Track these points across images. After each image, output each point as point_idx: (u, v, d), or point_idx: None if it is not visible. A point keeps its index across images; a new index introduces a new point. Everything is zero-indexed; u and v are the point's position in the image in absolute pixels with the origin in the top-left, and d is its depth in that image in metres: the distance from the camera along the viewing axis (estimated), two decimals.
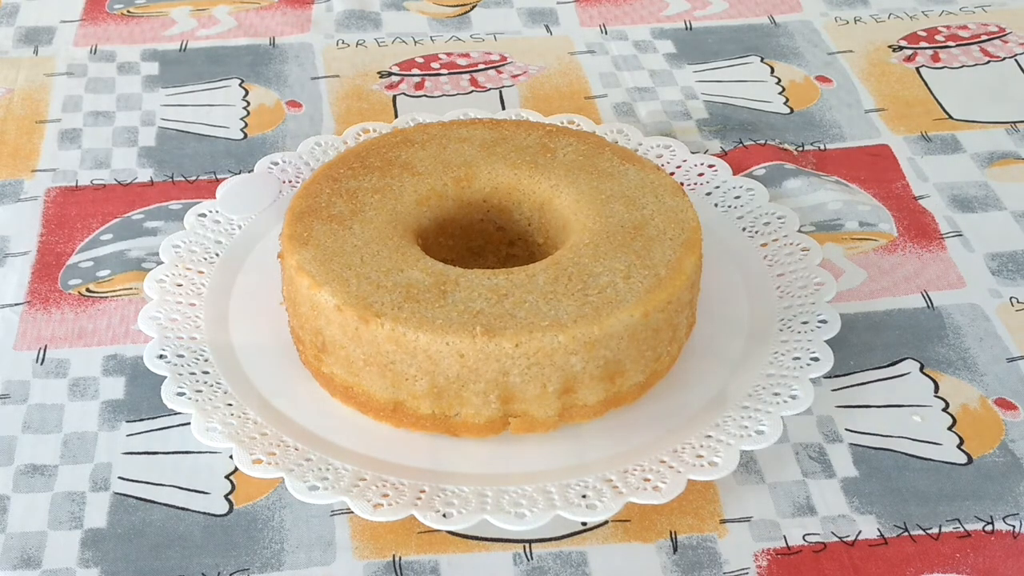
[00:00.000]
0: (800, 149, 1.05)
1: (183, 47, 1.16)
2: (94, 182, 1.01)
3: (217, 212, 0.95)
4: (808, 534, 0.76)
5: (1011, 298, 0.92)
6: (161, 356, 0.83)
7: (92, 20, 1.19)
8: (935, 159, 1.04)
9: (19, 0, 1.21)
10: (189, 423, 0.79)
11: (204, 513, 0.77)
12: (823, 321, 0.86)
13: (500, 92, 1.11)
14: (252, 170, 1.00)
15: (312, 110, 1.09)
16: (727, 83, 1.13)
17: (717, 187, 0.98)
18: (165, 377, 0.82)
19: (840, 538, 0.76)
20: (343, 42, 1.17)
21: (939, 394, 0.85)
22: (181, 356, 0.83)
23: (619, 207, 0.85)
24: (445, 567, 0.75)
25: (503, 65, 1.14)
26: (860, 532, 0.77)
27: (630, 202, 0.85)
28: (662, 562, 0.75)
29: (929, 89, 1.12)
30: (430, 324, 0.77)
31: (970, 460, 0.81)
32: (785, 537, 0.76)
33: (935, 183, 1.01)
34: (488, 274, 0.80)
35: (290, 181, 0.98)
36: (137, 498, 0.78)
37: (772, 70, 1.14)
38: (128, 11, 1.20)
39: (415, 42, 1.17)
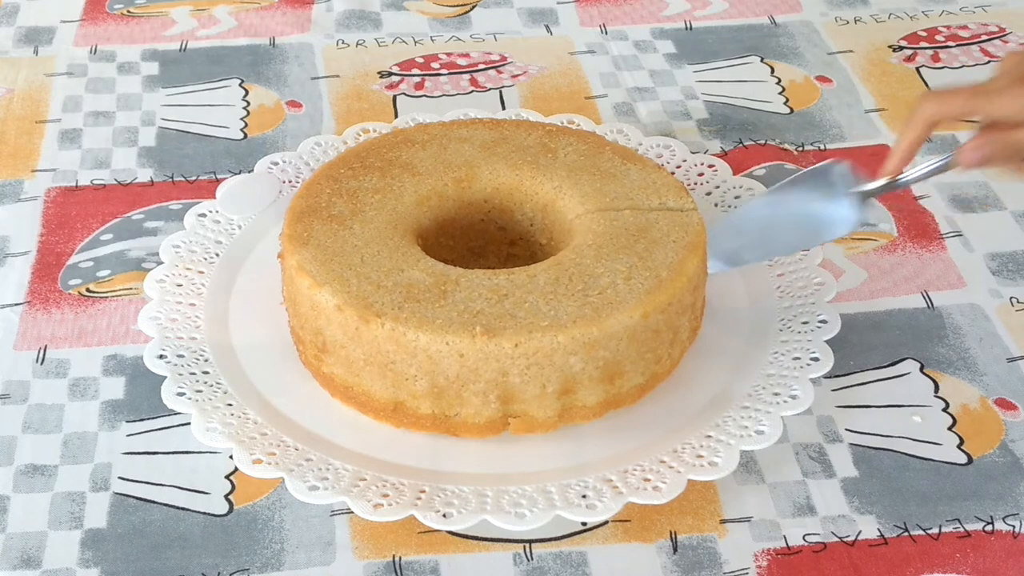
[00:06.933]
0: (800, 149, 1.05)
1: (183, 47, 1.16)
2: (94, 182, 1.01)
3: (217, 212, 0.95)
4: (808, 534, 0.76)
5: (1011, 298, 0.92)
6: (161, 356, 0.83)
7: (92, 20, 1.19)
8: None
9: (19, 0, 1.21)
10: (189, 423, 0.79)
11: (204, 513, 0.77)
12: (823, 321, 0.86)
13: (500, 92, 1.11)
14: (252, 170, 1.00)
15: (312, 110, 1.09)
16: (727, 83, 1.13)
17: (717, 187, 0.98)
18: (165, 377, 0.82)
19: (840, 538, 0.76)
20: (343, 42, 1.17)
21: (939, 394, 0.85)
22: (181, 356, 0.83)
23: (625, 209, 0.85)
24: (445, 567, 0.75)
25: (503, 65, 1.14)
26: (860, 532, 0.77)
27: (636, 204, 0.85)
28: (662, 562, 0.75)
29: (929, 89, 1.12)
30: (430, 324, 0.77)
31: (970, 460, 0.81)
32: (785, 537, 0.76)
33: (935, 183, 1.01)
34: (488, 274, 0.80)
35: (290, 181, 0.98)
36: (137, 498, 0.78)
37: (772, 70, 1.14)
38: (128, 11, 1.20)
39: (415, 42, 1.17)
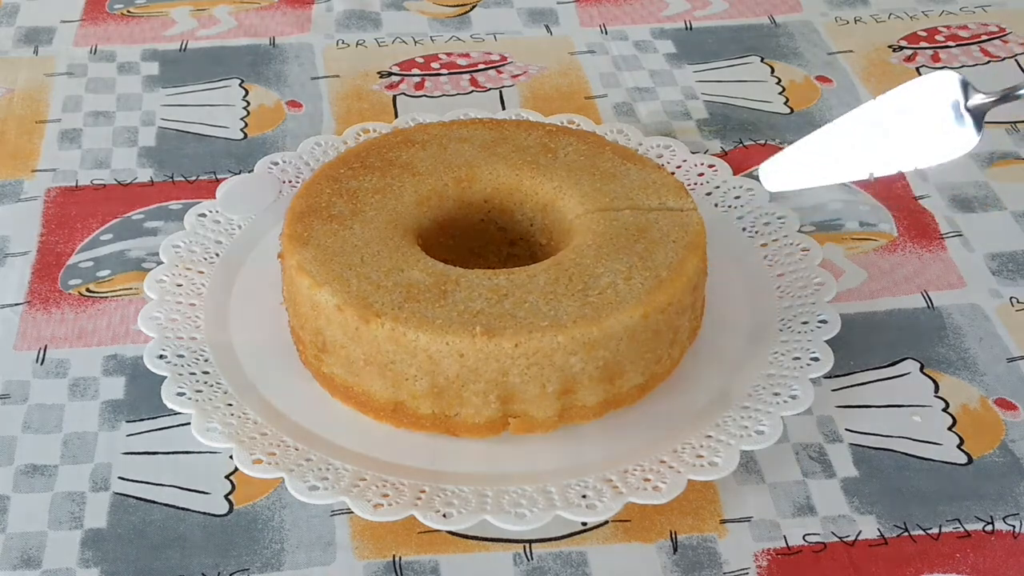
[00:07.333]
0: None
1: (183, 47, 1.16)
2: (94, 182, 1.01)
3: (217, 212, 0.95)
4: (808, 534, 0.76)
5: (1011, 298, 0.92)
6: (161, 356, 0.83)
7: (92, 20, 1.19)
8: None
9: (19, 0, 1.21)
10: (189, 423, 0.79)
11: (204, 513, 0.77)
12: (823, 321, 0.86)
13: (500, 92, 1.11)
14: (252, 170, 1.00)
15: (312, 110, 1.09)
16: (727, 83, 1.13)
17: (717, 187, 0.98)
18: (165, 377, 0.82)
19: (840, 538, 0.76)
20: (343, 42, 1.17)
21: (939, 394, 0.85)
22: (181, 356, 0.83)
23: (625, 209, 0.85)
24: (445, 567, 0.75)
25: (503, 65, 1.14)
26: (860, 532, 0.77)
27: (636, 204, 0.85)
28: (662, 562, 0.75)
29: None
30: (430, 324, 0.77)
31: (970, 460, 0.81)
32: (785, 537, 0.76)
33: (935, 183, 1.01)
34: (488, 274, 0.80)
35: (290, 181, 0.98)
36: (137, 498, 0.78)
37: (772, 70, 1.14)
38: (128, 11, 1.20)
39: (415, 42, 1.17)
